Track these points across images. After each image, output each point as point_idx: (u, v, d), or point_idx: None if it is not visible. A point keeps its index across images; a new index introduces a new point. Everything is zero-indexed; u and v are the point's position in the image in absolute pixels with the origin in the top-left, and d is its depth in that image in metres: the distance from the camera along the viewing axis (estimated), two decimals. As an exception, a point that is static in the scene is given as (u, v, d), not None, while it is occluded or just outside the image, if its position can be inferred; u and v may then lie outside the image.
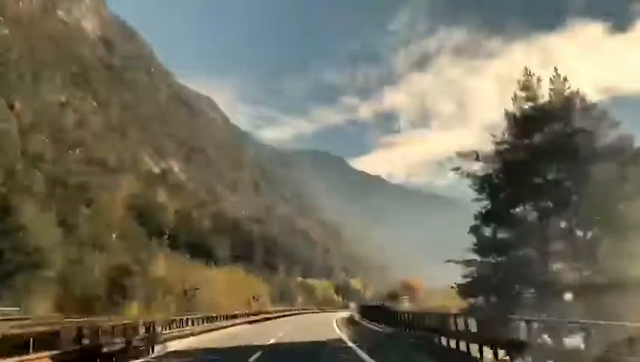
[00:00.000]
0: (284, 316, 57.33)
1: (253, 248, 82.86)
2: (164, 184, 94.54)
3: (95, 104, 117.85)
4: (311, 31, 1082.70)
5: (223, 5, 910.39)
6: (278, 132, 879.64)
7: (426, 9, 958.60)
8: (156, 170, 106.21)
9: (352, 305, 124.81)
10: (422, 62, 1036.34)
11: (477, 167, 31.01)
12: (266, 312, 51.25)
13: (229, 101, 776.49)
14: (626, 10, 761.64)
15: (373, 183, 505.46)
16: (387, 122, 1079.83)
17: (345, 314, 60.32)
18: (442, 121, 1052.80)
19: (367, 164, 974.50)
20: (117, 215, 57.38)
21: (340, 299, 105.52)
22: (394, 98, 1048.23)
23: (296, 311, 69.61)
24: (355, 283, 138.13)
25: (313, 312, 75.97)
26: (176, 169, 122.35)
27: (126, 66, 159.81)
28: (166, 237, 64.76)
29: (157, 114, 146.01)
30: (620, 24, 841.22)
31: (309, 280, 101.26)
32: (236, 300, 50.78)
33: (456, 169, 31.92)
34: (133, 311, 39.39)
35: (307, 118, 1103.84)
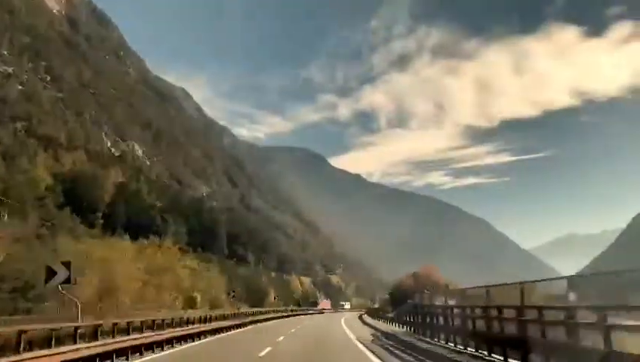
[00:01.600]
0: (241, 325, 34.05)
1: (216, 236, 72.41)
2: (121, 165, 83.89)
3: (48, 78, 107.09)
4: (289, 27, 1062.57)
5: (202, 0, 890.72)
6: (255, 129, 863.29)
7: (406, 8, 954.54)
8: (114, 150, 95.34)
9: (347, 305, 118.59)
10: (401, 62, 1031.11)
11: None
12: (221, 318, 30.82)
13: (206, 96, 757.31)
14: (601, 16, 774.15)
15: (353, 181, 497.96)
16: (366, 121, 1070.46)
17: (364, 329, 32.56)
18: (420, 121, 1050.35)
19: (347, 162, 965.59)
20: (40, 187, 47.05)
21: (323, 297, 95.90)
22: (373, 97, 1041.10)
23: (270, 315, 48.56)
24: (336, 280, 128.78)
25: (292, 315, 58.18)
26: (139, 152, 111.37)
27: (91, 46, 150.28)
28: (100, 214, 55.26)
29: (123, 96, 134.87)
30: (595, 29, 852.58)
31: (285, 276, 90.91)
32: (168, 294, 33.85)
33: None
34: None
35: (285, 115, 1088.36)
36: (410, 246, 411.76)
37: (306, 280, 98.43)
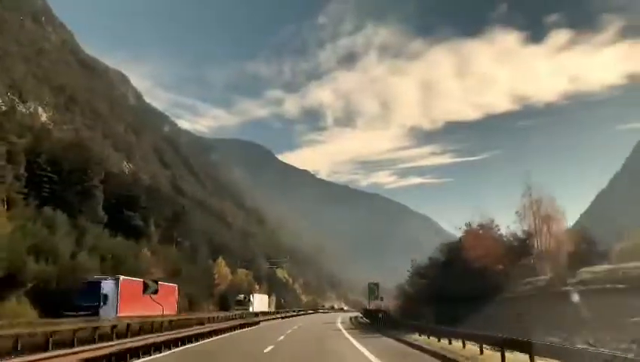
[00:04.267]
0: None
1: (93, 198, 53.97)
2: (11, 124, 64.13)
3: None
4: (234, 17, 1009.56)
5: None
6: (199, 122, 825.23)
7: (354, 5, 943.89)
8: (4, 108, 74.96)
9: (338, 304, 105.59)
10: (348, 60, 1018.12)
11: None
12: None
13: (147, 86, 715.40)
14: (541, 23, 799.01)
15: (301, 177, 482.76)
16: (314, 119, 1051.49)
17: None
18: (367, 120, 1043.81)
19: (295, 159, 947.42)
20: None
21: (265, 294, 78.31)
22: (320, 94, 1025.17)
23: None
24: (282, 274, 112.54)
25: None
26: (43, 117, 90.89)
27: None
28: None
29: (31, 57, 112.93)
30: (535, 35, 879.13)
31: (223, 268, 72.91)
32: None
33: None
34: None
35: (230, 109, 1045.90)
36: (360, 242, 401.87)
37: (246, 272, 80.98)
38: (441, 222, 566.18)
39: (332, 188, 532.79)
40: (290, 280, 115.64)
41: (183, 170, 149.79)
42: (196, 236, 76.12)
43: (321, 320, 56.09)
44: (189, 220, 76.46)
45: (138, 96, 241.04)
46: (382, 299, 59.47)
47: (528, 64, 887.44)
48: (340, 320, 57.28)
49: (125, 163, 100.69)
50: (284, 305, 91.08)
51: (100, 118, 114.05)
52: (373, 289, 59.13)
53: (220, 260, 74.22)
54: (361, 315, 65.36)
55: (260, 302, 67.83)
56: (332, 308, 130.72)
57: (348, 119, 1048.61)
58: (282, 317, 62.36)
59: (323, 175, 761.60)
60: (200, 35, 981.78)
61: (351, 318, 59.41)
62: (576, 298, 26.09)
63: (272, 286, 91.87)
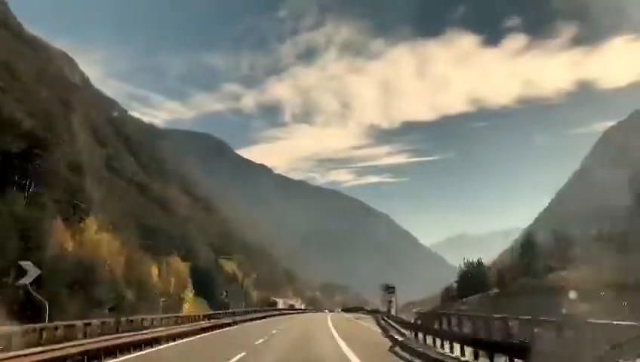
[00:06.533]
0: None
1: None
2: None
3: None
4: (189, 3, 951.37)
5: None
6: (152, 114, 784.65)
7: (315, 0, 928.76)
8: None
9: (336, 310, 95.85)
10: (308, 56, 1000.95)
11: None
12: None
13: (98, 75, 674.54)
14: (498, 26, 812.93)
15: (258, 171, 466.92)
16: (272, 114, 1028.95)
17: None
18: (326, 118, 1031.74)
19: (252, 154, 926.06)
20: None
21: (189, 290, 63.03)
22: (279, 90, 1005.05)
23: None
24: (230, 267, 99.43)
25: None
26: None
27: None
28: None
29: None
30: (492, 39, 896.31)
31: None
32: None
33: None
34: None
35: (185, 102, 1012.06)
36: (318, 239, 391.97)
37: (183, 265, 66.87)
38: (399, 222, 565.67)
39: (290, 183, 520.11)
40: (241, 278, 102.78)
41: (124, 152, 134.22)
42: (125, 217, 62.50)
43: None
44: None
45: (85, 80, 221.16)
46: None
47: (484, 67, 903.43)
48: None
49: (42, 133, 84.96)
50: (227, 303, 72.37)
51: (19, 82, 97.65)
52: None
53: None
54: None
55: None
56: (291, 306, 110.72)
57: (306, 116, 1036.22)
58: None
59: (281, 171, 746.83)
60: (152, 21, 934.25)
61: None
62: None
63: (217, 283, 78.31)
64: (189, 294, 61.72)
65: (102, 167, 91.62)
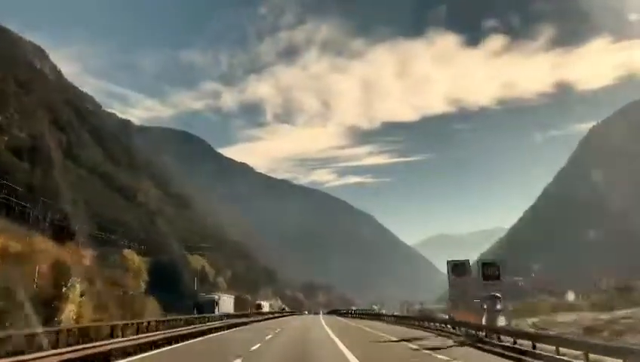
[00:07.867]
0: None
1: None
2: None
3: None
4: (166, 1, 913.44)
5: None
6: (129, 112, 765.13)
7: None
8: None
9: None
10: (288, 54, 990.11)
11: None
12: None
13: (75, 71, 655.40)
14: (478, 27, 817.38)
15: (239, 169, 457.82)
16: (253, 114, 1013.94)
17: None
18: (307, 117, 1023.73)
19: (232, 154, 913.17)
20: None
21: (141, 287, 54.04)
22: (259, 88, 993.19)
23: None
24: (200, 263, 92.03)
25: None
26: None
27: None
28: None
29: None
30: (472, 39, 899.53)
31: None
32: None
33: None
34: None
35: (163, 100, 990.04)
36: (298, 237, 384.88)
37: (139, 260, 58.93)
38: (381, 220, 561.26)
39: (272, 182, 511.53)
40: (213, 272, 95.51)
41: (91, 143, 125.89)
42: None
43: None
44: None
45: (58, 73, 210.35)
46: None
47: (465, 67, 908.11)
48: None
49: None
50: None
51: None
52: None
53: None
54: None
55: None
56: (270, 306, 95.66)
57: (288, 116, 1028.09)
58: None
59: (262, 170, 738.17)
60: (129, 16, 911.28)
61: None
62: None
63: (182, 278, 71.00)
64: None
65: (56, 151, 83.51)
